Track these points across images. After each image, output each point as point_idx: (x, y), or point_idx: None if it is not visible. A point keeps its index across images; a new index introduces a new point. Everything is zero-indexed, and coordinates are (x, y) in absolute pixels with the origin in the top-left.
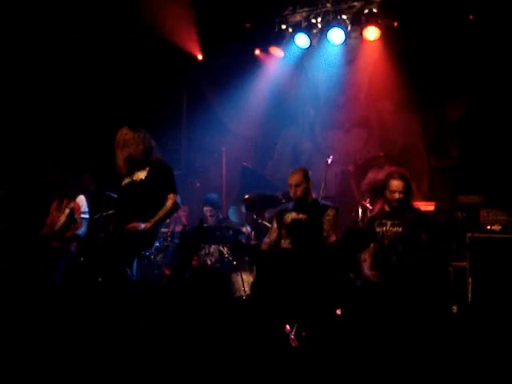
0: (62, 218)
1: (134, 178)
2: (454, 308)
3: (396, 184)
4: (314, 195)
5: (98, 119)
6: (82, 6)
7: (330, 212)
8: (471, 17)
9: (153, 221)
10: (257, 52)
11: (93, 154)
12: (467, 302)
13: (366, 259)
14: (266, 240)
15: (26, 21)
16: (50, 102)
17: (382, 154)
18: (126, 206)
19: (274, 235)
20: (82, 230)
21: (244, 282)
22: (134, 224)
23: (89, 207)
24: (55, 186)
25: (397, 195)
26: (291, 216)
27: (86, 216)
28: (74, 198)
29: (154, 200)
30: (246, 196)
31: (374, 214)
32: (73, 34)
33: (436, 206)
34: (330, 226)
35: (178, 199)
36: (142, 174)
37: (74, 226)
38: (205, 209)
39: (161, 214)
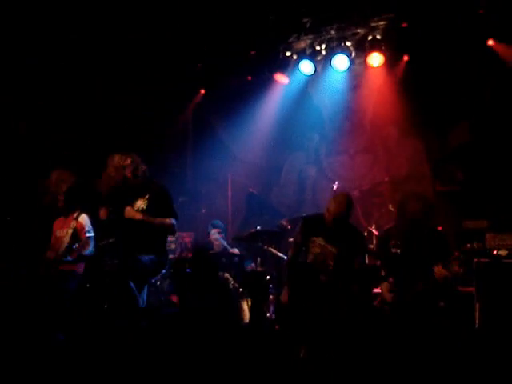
0: (66, 240)
1: (136, 208)
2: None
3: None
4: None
5: (104, 145)
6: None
7: (363, 246)
8: (488, 42)
9: (147, 217)
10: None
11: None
12: (474, 328)
13: (384, 292)
14: (290, 255)
15: (27, 21)
16: (55, 123)
17: (387, 179)
18: (131, 236)
19: (296, 250)
20: (88, 250)
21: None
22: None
23: (92, 225)
24: (56, 205)
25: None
26: (318, 242)
27: (92, 234)
28: (73, 215)
29: (157, 229)
30: (252, 230)
31: (389, 231)
32: (74, 39)
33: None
34: (359, 260)
35: (176, 224)
36: (142, 203)
37: (79, 246)
38: (213, 231)
39: (158, 220)
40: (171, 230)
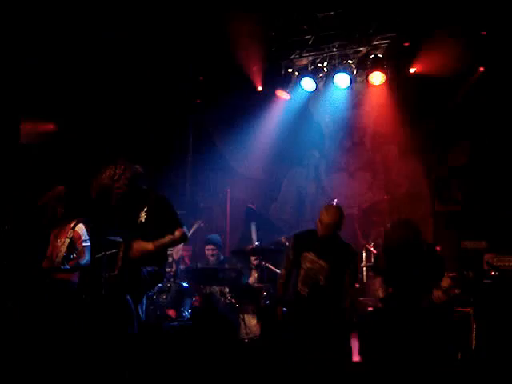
0: (63, 249)
1: (135, 219)
2: (459, 355)
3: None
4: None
5: (104, 159)
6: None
7: (354, 261)
8: (481, 69)
9: (157, 243)
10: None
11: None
12: (471, 348)
13: (378, 288)
14: (282, 272)
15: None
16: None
17: (386, 197)
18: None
19: (289, 266)
20: (85, 259)
21: (246, 324)
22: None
23: (89, 235)
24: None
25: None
26: (310, 258)
27: (87, 244)
28: (70, 225)
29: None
30: (250, 247)
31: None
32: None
33: (440, 251)
34: (353, 279)
35: (186, 231)
36: (142, 215)
37: (76, 255)
38: (207, 247)
39: (167, 239)
40: (184, 237)
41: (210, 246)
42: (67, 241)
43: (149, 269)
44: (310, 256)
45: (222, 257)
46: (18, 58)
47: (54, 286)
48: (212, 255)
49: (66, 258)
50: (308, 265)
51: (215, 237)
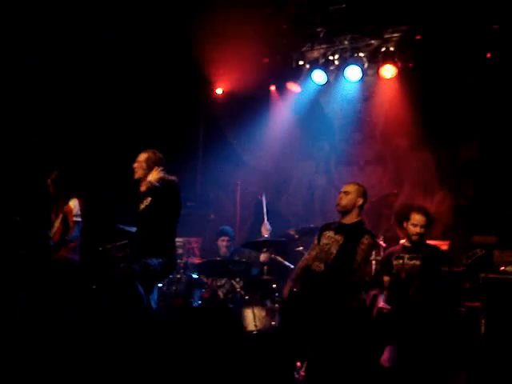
0: (57, 224)
1: (143, 205)
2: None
3: (418, 218)
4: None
5: (115, 149)
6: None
7: (366, 240)
8: (488, 55)
9: None
10: (272, 88)
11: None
12: (480, 343)
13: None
14: (306, 256)
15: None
16: (65, 133)
17: (395, 191)
18: (139, 239)
19: (313, 252)
20: (73, 235)
21: (256, 316)
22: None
23: (81, 210)
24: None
25: (418, 229)
26: (328, 235)
27: (78, 219)
28: (66, 200)
29: (160, 226)
30: (261, 239)
31: (393, 248)
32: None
33: (450, 246)
34: (362, 258)
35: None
36: (143, 205)
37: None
38: (221, 238)
39: None
40: None
41: (225, 238)
42: (61, 216)
43: (160, 260)
44: (329, 233)
45: (232, 248)
46: (18, 58)
47: (55, 266)
48: (226, 246)
49: (61, 233)
50: (324, 241)
51: (229, 229)
